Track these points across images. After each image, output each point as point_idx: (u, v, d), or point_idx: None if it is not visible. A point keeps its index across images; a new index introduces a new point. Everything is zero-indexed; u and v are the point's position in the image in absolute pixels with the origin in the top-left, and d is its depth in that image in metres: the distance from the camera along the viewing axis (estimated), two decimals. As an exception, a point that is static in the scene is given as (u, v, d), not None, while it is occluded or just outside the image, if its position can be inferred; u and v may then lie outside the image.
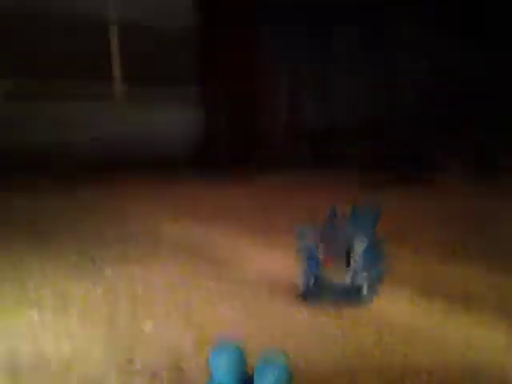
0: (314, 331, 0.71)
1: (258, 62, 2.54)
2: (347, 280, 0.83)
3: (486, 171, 2.01)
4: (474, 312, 0.77)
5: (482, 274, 0.95)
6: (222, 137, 2.43)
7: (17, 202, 1.60)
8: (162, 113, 2.52)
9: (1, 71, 2.18)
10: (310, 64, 2.74)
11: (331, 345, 0.66)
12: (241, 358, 0.44)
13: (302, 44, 2.71)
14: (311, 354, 0.64)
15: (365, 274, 0.82)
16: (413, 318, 0.76)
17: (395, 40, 2.76)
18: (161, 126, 2.49)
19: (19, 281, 0.90)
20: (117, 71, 2.49)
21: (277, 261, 1.04)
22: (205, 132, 2.53)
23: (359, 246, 0.83)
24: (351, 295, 0.81)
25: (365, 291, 0.82)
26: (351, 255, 0.84)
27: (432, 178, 1.98)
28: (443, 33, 2.65)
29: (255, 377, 0.41)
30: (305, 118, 2.75)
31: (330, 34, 2.75)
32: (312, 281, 0.84)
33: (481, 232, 1.25)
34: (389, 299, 0.83)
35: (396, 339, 0.67)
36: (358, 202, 0.87)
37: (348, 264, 0.83)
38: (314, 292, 0.83)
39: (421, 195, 1.77)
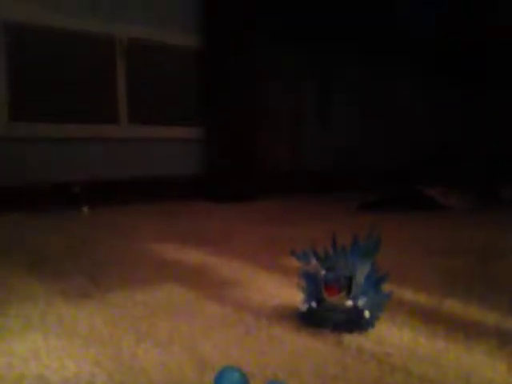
0: (314, 362, 0.72)
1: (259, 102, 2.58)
2: (349, 306, 0.83)
3: (487, 202, 2.02)
4: (475, 342, 0.77)
5: (485, 306, 0.95)
6: (223, 169, 2.46)
7: (15, 228, 1.63)
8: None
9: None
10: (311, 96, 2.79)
11: (333, 381, 0.66)
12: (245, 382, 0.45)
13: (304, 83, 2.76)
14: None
15: (366, 300, 0.83)
16: (415, 349, 0.76)
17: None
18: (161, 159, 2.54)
19: (23, 305, 0.92)
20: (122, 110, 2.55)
21: (279, 285, 1.05)
22: (205, 165, 2.56)
23: (361, 273, 0.84)
24: (353, 322, 0.82)
25: (366, 318, 0.82)
26: (353, 282, 0.84)
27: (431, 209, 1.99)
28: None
29: None
30: (305, 152, 2.79)
31: (330, 79, 2.81)
32: (314, 305, 0.84)
33: (484, 263, 1.25)
34: (390, 327, 0.83)
35: (398, 375, 0.67)
36: (359, 230, 0.88)
37: (349, 291, 0.84)
38: (316, 318, 0.84)
39: (420, 225, 1.77)
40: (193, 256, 1.29)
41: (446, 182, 2.18)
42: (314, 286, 0.87)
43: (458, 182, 2.21)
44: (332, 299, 0.83)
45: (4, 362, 0.69)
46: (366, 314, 0.82)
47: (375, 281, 0.84)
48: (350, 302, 0.83)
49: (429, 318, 0.87)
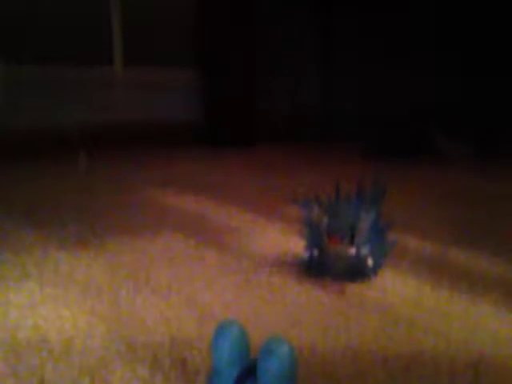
0: (316, 312, 0.70)
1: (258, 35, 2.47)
2: (351, 255, 0.81)
3: (487, 149, 1.97)
4: (480, 293, 0.76)
5: (488, 252, 0.93)
6: (223, 113, 2.38)
7: (14, 174, 1.59)
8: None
9: None
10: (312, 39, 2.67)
11: (335, 332, 0.64)
12: (244, 338, 0.43)
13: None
14: (313, 339, 0.63)
15: (369, 249, 0.81)
16: (419, 299, 0.74)
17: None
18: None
19: (20, 253, 0.90)
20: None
21: (280, 233, 1.03)
22: (204, 110, 2.48)
23: (364, 222, 0.81)
24: (355, 270, 0.80)
25: (369, 266, 0.80)
26: (356, 231, 0.82)
27: (433, 157, 1.94)
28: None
29: (259, 366, 0.39)
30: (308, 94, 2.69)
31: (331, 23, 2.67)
32: (316, 254, 0.82)
33: (487, 211, 1.23)
34: (394, 276, 0.82)
35: (402, 325, 0.66)
36: (363, 177, 0.85)
37: (352, 239, 0.82)
38: (318, 266, 0.82)
39: (423, 173, 1.73)
40: (192, 203, 1.26)
41: (447, 129, 2.12)
42: (316, 234, 0.84)
43: (458, 129, 2.15)
44: (334, 248, 0.81)
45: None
46: (369, 262, 0.80)
47: (379, 229, 0.82)
48: (352, 251, 0.81)
49: (433, 267, 0.85)
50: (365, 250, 0.80)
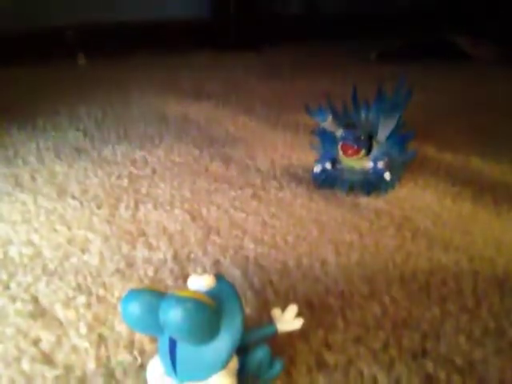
0: (327, 228, 0.66)
1: None
2: (368, 167, 0.75)
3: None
4: (505, 206, 0.71)
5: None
6: (227, 14, 2.19)
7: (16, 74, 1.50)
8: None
9: None
10: None
11: (348, 249, 0.60)
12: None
13: None
14: (324, 256, 0.59)
15: (387, 160, 0.74)
16: (439, 213, 0.69)
17: None
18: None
19: (13, 164, 0.84)
20: None
21: (289, 144, 0.96)
22: (214, 4, 2.30)
23: (383, 130, 0.74)
24: (371, 183, 0.74)
25: (387, 179, 0.74)
26: (374, 140, 0.75)
27: (457, 60, 1.80)
28: None
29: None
30: None
31: None
32: (329, 167, 0.76)
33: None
34: (412, 188, 0.76)
35: (420, 241, 0.61)
36: (382, 80, 0.76)
37: (369, 150, 0.75)
38: (330, 179, 0.76)
39: (444, 77, 1.61)
40: (195, 111, 1.18)
41: (474, 31, 1.95)
42: (329, 145, 0.78)
43: (485, 32, 1.98)
44: (350, 159, 0.75)
45: (-9, 225, 0.63)
46: (387, 175, 0.74)
47: (399, 139, 0.75)
48: (369, 163, 0.74)
49: (454, 179, 0.79)
50: (382, 163, 0.74)
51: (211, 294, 0.36)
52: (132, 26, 2.17)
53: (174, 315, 0.32)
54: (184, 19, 2.26)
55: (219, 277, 0.38)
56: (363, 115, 0.78)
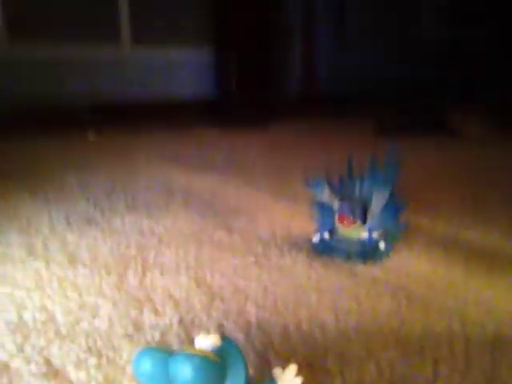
0: (326, 294, 0.69)
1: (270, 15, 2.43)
2: (363, 236, 0.79)
3: (500, 127, 1.93)
4: (495, 273, 0.74)
5: (503, 233, 0.91)
6: (234, 94, 2.35)
7: (16, 152, 1.58)
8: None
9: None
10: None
11: (346, 313, 0.63)
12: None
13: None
14: (324, 320, 0.61)
15: (381, 230, 0.79)
16: (433, 280, 0.72)
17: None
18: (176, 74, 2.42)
19: (26, 233, 0.89)
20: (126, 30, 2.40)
21: (290, 214, 1.01)
22: (218, 84, 2.46)
23: (377, 202, 0.79)
24: (367, 252, 0.78)
25: (381, 248, 0.78)
26: (368, 211, 0.80)
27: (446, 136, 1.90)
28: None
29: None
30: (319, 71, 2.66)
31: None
32: (327, 236, 0.80)
33: (500, 191, 1.20)
34: (406, 256, 0.80)
35: (415, 307, 0.64)
36: (376, 152, 0.82)
37: (364, 220, 0.80)
38: (328, 248, 0.80)
39: (436, 152, 1.70)
40: (201, 183, 1.25)
41: (466, 108, 2.08)
42: (327, 216, 0.82)
43: (477, 109, 2.11)
44: (346, 229, 0.79)
45: (6, 292, 0.66)
46: (381, 245, 0.78)
47: (392, 211, 0.80)
48: (365, 233, 0.79)
49: (447, 248, 0.83)
50: (377, 233, 0.78)
51: (217, 351, 0.39)
52: (140, 105, 2.30)
53: (183, 370, 0.35)
54: (190, 98, 2.41)
55: (224, 336, 0.41)
56: (358, 187, 0.83)
